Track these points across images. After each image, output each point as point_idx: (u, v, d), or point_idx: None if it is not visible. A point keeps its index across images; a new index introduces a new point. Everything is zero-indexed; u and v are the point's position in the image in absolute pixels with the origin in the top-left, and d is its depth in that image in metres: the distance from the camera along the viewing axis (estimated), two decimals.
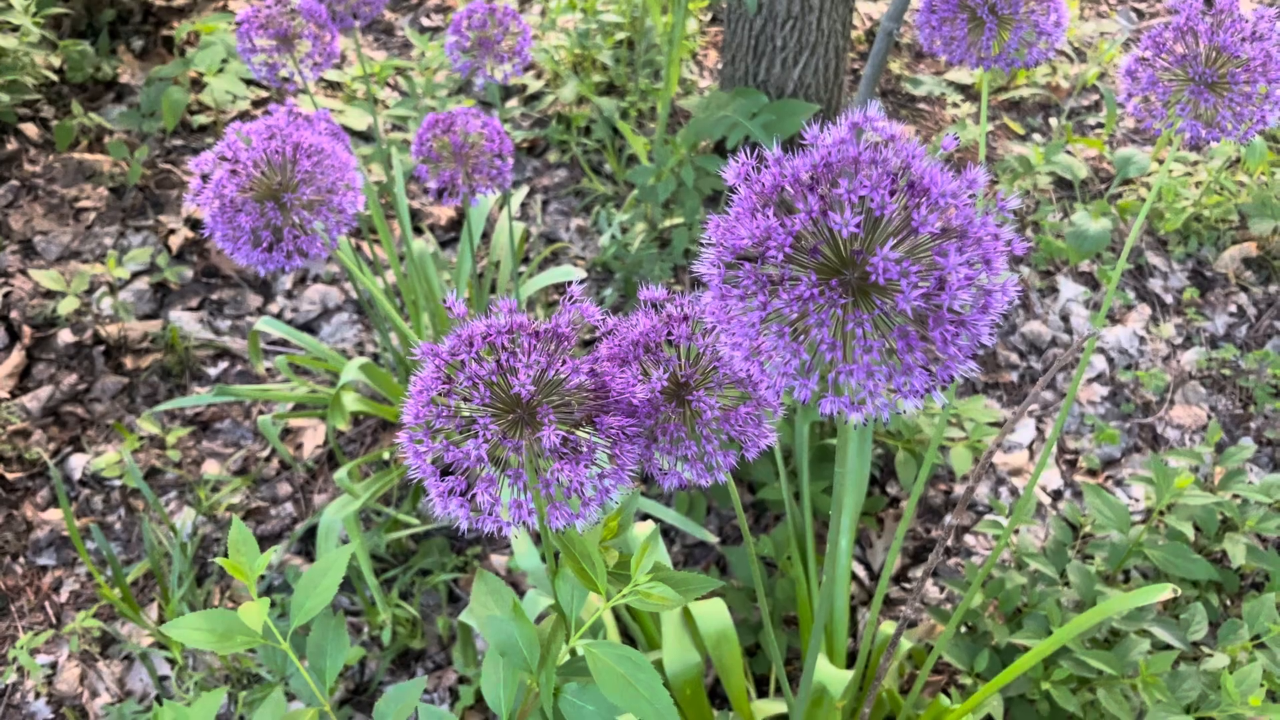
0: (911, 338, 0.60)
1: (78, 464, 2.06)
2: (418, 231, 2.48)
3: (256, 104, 2.73)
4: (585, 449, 0.69)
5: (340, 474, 1.70)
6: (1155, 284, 2.44)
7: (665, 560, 1.45)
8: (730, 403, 0.77)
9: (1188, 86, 1.04)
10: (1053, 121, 2.80)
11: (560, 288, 2.41)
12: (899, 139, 0.63)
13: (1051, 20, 1.21)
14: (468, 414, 0.70)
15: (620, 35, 2.75)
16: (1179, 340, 2.34)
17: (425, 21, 3.03)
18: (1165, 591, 1.20)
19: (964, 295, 0.58)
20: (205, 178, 1.19)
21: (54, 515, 1.99)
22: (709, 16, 3.03)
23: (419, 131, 1.37)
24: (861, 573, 1.96)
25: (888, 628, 1.69)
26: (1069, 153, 2.63)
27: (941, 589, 1.94)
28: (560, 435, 0.68)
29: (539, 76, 2.81)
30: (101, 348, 2.22)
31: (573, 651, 0.90)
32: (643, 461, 0.77)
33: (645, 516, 1.76)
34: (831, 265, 0.62)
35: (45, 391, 2.14)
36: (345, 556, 1.00)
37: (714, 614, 1.41)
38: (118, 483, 2.04)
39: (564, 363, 0.70)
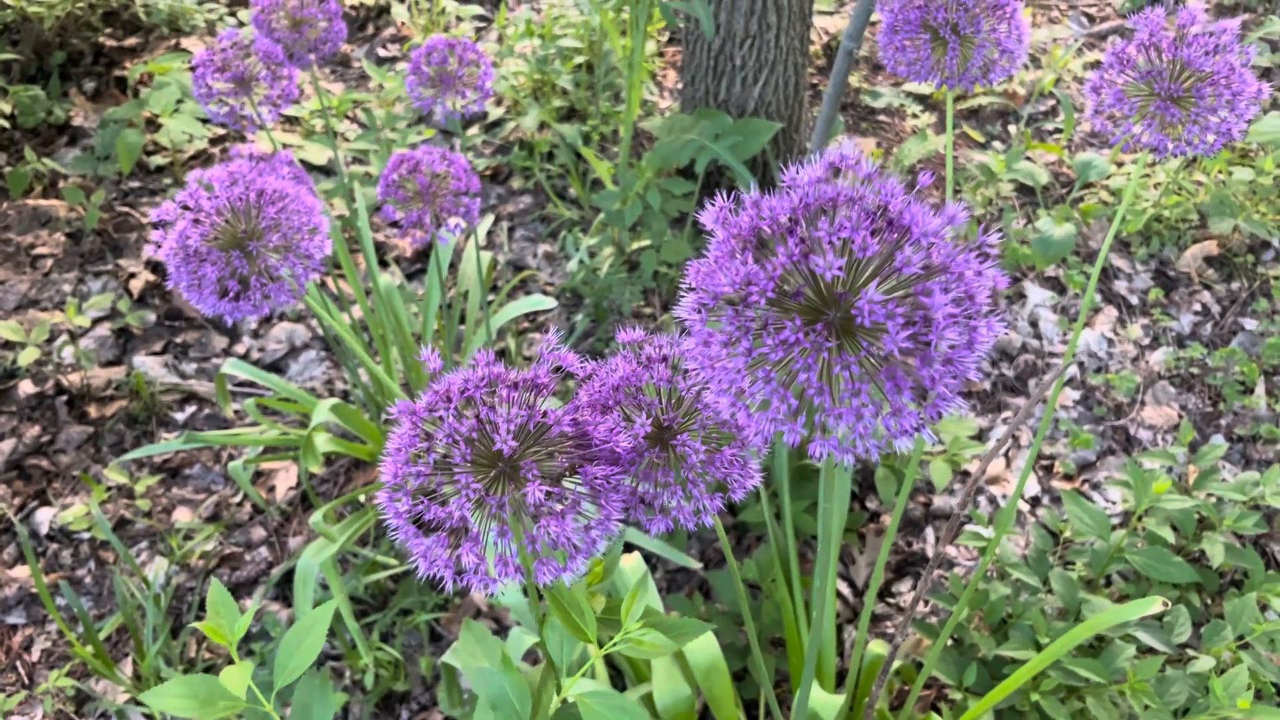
0: (899, 378, 0.59)
1: (44, 518, 2.01)
2: (383, 265, 2.45)
3: (214, 141, 2.70)
4: (570, 502, 0.68)
5: (315, 518, 1.67)
6: (1120, 285, 2.46)
7: (652, 592, 1.43)
8: (714, 445, 0.76)
9: (1153, 101, 1.05)
10: (1012, 129, 2.82)
11: (531, 316, 2.39)
12: (876, 176, 0.62)
13: (1014, 38, 1.21)
14: (448, 471, 0.68)
15: (579, 59, 2.75)
16: (1146, 341, 2.36)
17: (381, 52, 3.01)
18: (1155, 604, 1.20)
19: (950, 334, 0.58)
20: (167, 227, 1.17)
21: (21, 572, 1.95)
22: (666, 37, 3.03)
23: (384, 172, 1.35)
24: (845, 590, 1.96)
25: (875, 647, 1.68)
26: (1029, 159, 2.65)
27: (926, 602, 1.93)
28: (544, 490, 0.66)
29: (499, 103, 2.80)
30: (64, 397, 2.18)
31: (564, 699, 0.89)
32: (629, 508, 0.76)
33: (628, 546, 1.75)
34: (814, 306, 0.61)
35: (7, 445, 2.10)
36: (328, 613, 0.98)
37: (703, 646, 1.39)
38: (87, 535, 1.99)
39: (544, 414, 0.69)
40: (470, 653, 1.01)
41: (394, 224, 1.38)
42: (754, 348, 0.60)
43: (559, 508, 0.69)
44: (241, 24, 2.85)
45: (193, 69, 1.52)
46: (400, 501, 0.70)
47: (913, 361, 0.59)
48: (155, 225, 1.15)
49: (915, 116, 2.81)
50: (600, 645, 0.82)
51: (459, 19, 3.02)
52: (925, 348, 0.58)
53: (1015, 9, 1.24)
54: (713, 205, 0.63)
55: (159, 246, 1.15)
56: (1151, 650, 1.66)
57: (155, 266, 2.45)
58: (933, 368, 0.58)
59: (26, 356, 2.12)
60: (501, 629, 1.88)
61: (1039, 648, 1.62)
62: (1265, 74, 2.95)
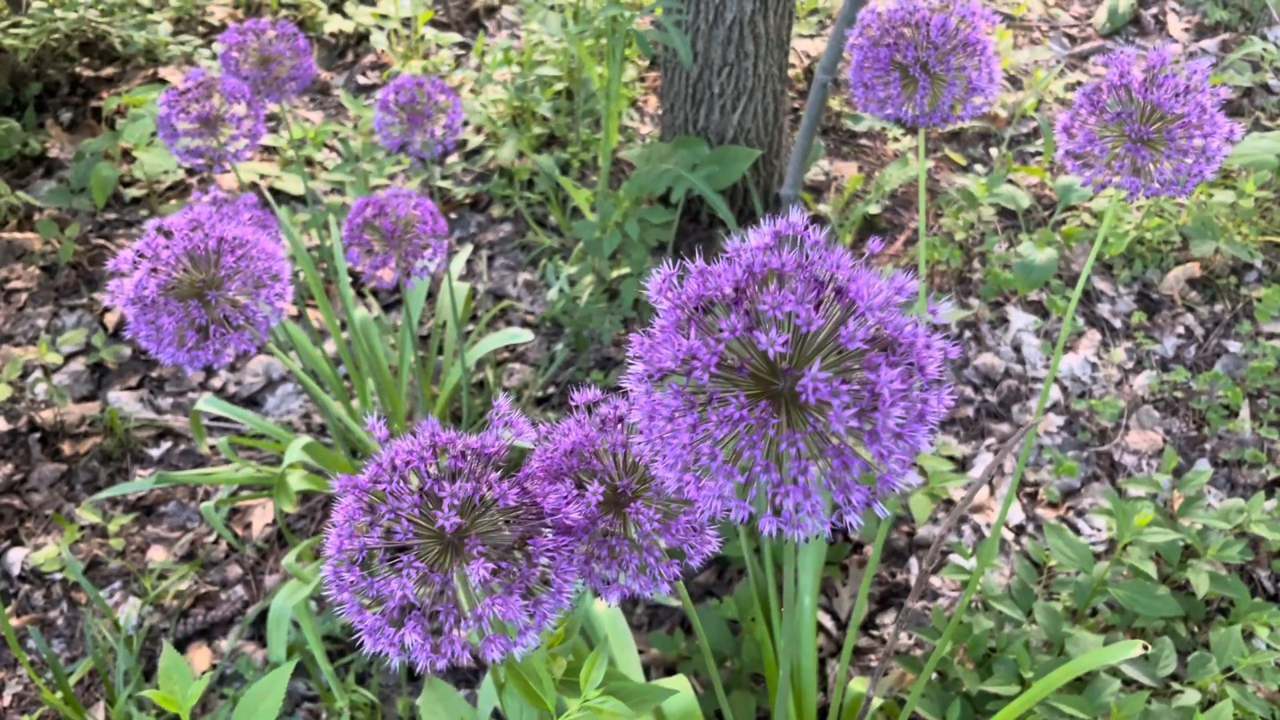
0: (847, 455, 0.57)
1: (16, 558, 1.99)
2: (360, 295, 2.43)
3: (190, 172, 2.68)
4: (518, 577, 0.66)
5: (289, 559, 1.65)
6: (1103, 309, 2.45)
7: (625, 634, 1.40)
8: (670, 511, 0.74)
9: (1124, 144, 1.03)
10: (993, 151, 2.81)
11: (511, 345, 2.37)
12: (823, 245, 0.60)
13: (985, 76, 1.20)
14: (392, 546, 0.66)
15: (559, 86, 2.74)
16: (1130, 365, 2.34)
17: (361, 79, 2.99)
18: (1135, 648, 1.19)
19: (897, 411, 0.56)
20: (124, 275, 1.15)
21: None
22: (648, 62, 3.02)
23: (349, 215, 1.33)
24: (828, 623, 1.94)
25: (856, 684, 1.66)
26: (1011, 182, 2.64)
27: (910, 635, 1.91)
28: (490, 567, 0.64)
29: (479, 131, 2.78)
30: (37, 435, 2.15)
31: None
32: (582, 577, 0.74)
33: None
34: (761, 376, 0.60)
35: None
36: (284, 676, 0.96)
37: (677, 694, 1.36)
38: (59, 576, 1.96)
39: (490, 487, 0.67)
40: (433, 712, 0.99)
41: (361, 264, 1.36)
42: (699, 423, 0.58)
43: (509, 582, 0.67)
44: (216, 56, 2.84)
45: (161, 111, 1.50)
46: (345, 576, 0.68)
47: (862, 436, 0.58)
48: (94, 283, 1.13)
49: (896, 140, 2.81)
50: (558, 715, 0.80)
51: (438, 46, 3.00)
52: (873, 423, 0.56)
53: (986, 46, 1.23)
54: (658, 275, 0.62)
55: (115, 295, 1.13)
56: (1137, 683, 1.64)
57: None
58: (881, 443, 0.57)
59: None
60: (481, 667, 1.85)
61: (1023, 682, 1.60)
62: (1246, 93, 2.95)
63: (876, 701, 1.67)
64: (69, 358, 2.29)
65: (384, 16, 3.04)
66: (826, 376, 0.55)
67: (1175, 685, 1.70)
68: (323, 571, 0.69)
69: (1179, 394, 2.27)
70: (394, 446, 0.70)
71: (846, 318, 0.57)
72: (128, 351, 2.32)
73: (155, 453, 2.16)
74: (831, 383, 0.55)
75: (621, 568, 0.74)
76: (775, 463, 0.58)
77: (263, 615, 1.91)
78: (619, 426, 0.76)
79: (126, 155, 2.63)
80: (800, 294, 0.57)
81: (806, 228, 0.62)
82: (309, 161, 2.68)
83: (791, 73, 2.95)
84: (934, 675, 1.70)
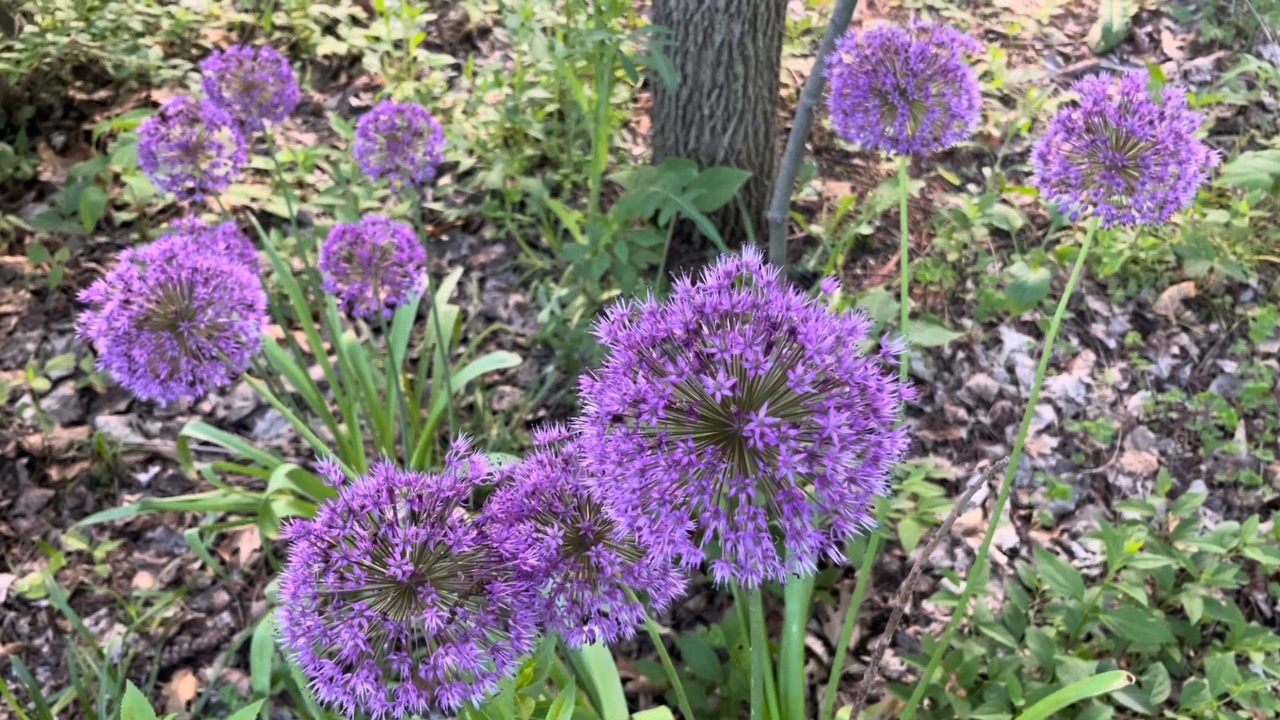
0: (798, 501, 0.56)
1: (2, 585, 1.97)
2: (350, 319, 2.43)
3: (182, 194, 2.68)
4: (475, 626, 0.65)
5: (271, 588, 1.63)
6: (1098, 329, 2.43)
7: (609, 665, 1.39)
8: (634, 552, 0.73)
9: (1098, 171, 1.02)
10: (987, 171, 2.81)
11: (501, 369, 2.36)
12: (775, 286, 0.59)
13: (964, 102, 1.19)
14: (345, 594, 0.65)
15: (550, 108, 2.74)
16: (1125, 385, 2.33)
17: (354, 101, 3.00)
18: (1120, 679, 1.17)
19: (847, 457, 0.55)
20: (97, 307, 1.14)
21: None
22: (642, 81, 3.02)
23: (325, 244, 1.33)
24: (819, 648, 1.92)
25: (845, 713, 1.64)
26: (1005, 201, 2.63)
27: (902, 661, 1.90)
28: (444, 616, 0.63)
29: (471, 153, 2.78)
30: (25, 460, 2.14)
31: None
32: (544, 622, 0.72)
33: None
34: (714, 419, 0.59)
35: None
36: (253, 712, 0.95)
37: None
38: (44, 603, 1.95)
39: (446, 533, 0.66)
40: None
41: (337, 294, 1.35)
42: (647, 468, 0.57)
43: (465, 628, 0.66)
44: None
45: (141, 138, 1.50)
46: (300, 623, 0.67)
47: (814, 480, 0.56)
48: (83, 306, 1.12)
49: (889, 160, 2.80)
50: None
51: (431, 68, 3.01)
52: (824, 469, 0.55)
53: (965, 73, 1.22)
54: (608, 319, 0.61)
55: (86, 326, 1.12)
56: (1130, 710, 1.62)
57: None
58: (832, 489, 0.55)
59: None
60: None
61: (1014, 710, 1.58)
62: (1241, 111, 2.94)
63: None
64: (57, 382, 2.29)
65: (376, 39, 3.05)
66: (774, 421, 0.54)
67: (1169, 713, 1.68)
68: (277, 619, 0.68)
69: (1174, 415, 2.26)
70: (350, 489, 0.69)
71: (795, 361, 0.56)
72: (116, 375, 2.31)
73: (144, 478, 2.15)
74: (779, 427, 0.54)
75: (584, 613, 0.73)
76: (726, 508, 0.57)
77: (249, 643, 1.89)
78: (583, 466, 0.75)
79: (118, 179, 2.63)
80: (750, 336, 0.56)
81: (760, 267, 0.61)
82: (300, 184, 2.68)
83: (784, 93, 2.95)
84: (925, 702, 1.69)
